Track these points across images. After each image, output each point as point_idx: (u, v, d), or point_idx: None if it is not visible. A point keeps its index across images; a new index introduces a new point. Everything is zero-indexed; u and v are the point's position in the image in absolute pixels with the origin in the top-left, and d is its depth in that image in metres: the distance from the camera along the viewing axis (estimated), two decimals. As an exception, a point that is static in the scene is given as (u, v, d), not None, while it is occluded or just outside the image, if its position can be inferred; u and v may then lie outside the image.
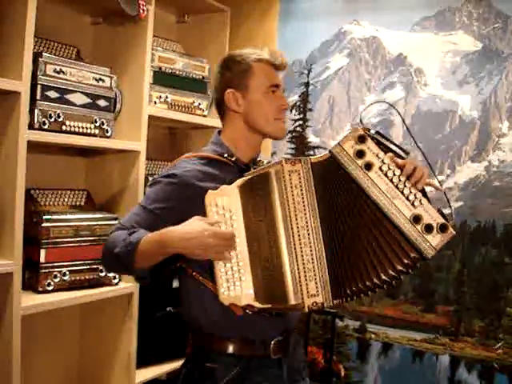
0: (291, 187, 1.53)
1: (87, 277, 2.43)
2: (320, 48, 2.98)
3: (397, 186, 1.53)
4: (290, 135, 3.02)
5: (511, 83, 2.58)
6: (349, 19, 2.90)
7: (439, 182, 2.11)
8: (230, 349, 1.68)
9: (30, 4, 2.08)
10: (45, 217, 2.32)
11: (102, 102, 2.47)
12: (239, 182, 1.60)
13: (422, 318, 2.74)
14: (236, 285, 1.56)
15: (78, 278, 2.40)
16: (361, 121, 1.64)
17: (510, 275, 2.57)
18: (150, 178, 2.74)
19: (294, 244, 1.51)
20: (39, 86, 2.22)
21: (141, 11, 2.50)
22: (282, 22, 3.05)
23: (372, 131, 1.59)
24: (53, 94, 2.28)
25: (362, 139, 1.53)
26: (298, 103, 3.01)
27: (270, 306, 1.56)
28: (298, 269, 1.50)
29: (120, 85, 2.62)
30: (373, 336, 2.83)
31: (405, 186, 1.54)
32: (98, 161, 2.72)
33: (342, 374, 2.88)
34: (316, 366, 2.91)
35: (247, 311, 1.58)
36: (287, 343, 1.75)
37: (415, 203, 1.53)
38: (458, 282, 2.68)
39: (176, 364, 2.87)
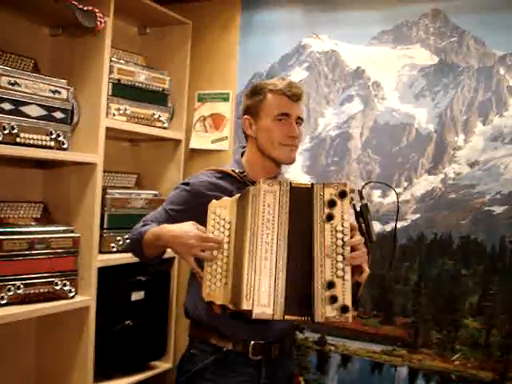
0: (263, 206, 1.62)
1: (42, 290, 2.40)
2: (280, 61, 2.99)
3: (336, 250, 1.60)
4: (250, 148, 3.03)
5: (466, 97, 2.62)
6: (308, 33, 2.92)
7: (396, 194, 2.17)
8: (210, 340, 1.86)
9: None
10: (-2, 230, 2.30)
11: (58, 114, 2.45)
12: (237, 196, 1.73)
13: (381, 329, 2.75)
14: (216, 285, 1.68)
15: (32, 291, 2.37)
16: (361, 194, 1.72)
17: (466, 287, 2.59)
18: (109, 191, 2.78)
19: (255, 257, 1.59)
20: (-7, 98, 2.21)
21: (98, 23, 2.50)
22: (243, 34, 3.06)
23: (364, 201, 1.70)
24: (7, 106, 2.26)
25: (342, 194, 1.62)
26: (259, 116, 3.03)
27: (236, 308, 1.63)
28: (254, 279, 1.58)
29: (78, 97, 2.62)
30: (332, 348, 2.83)
31: (343, 254, 1.59)
32: (55, 173, 2.70)
33: (303, 386, 2.88)
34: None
35: (225, 312, 1.68)
36: (269, 349, 1.86)
37: (339, 273, 1.59)
38: (416, 294, 2.70)
39: (136, 378, 2.87)
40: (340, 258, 1.60)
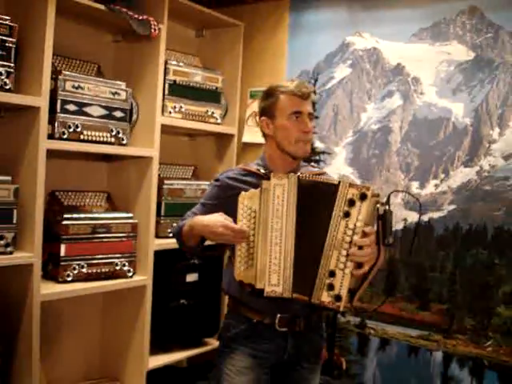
0: (273, 197, 1.88)
1: (103, 270, 2.72)
2: (325, 59, 3.15)
3: (343, 245, 1.77)
4: (298, 141, 3.22)
5: (501, 91, 2.69)
6: (351, 31, 3.06)
7: (419, 202, 2.29)
8: (243, 312, 2.08)
9: (48, 28, 2.38)
10: (65, 215, 2.63)
11: (117, 113, 2.75)
12: (259, 188, 1.93)
13: (418, 315, 2.87)
14: (244, 267, 1.91)
15: (94, 270, 2.69)
16: (388, 200, 1.83)
17: (500, 276, 2.67)
18: (166, 181, 3.06)
19: (267, 243, 1.87)
20: (59, 101, 2.52)
21: (152, 30, 2.77)
22: (291, 34, 3.25)
23: (387, 207, 1.81)
24: (71, 107, 2.57)
25: (362, 196, 1.77)
26: (305, 111, 3.21)
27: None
28: (266, 262, 1.86)
29: (136, 97, 2.91)
30: (372, 332, 2.99)
31: (347, 250, 1.76)
32: (117, 166, 3.01)
33: (344, 366, 3.06)
34: (319, 359, 3.10)
35: (253, 290, 1.90)
36: (294, 323, 2.05)
37: (340, 266, 1.77)
38: (451, 282, 2.80)
39: (190, 352, 3.15)
40: (344, 252, 1.77)
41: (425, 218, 2.85)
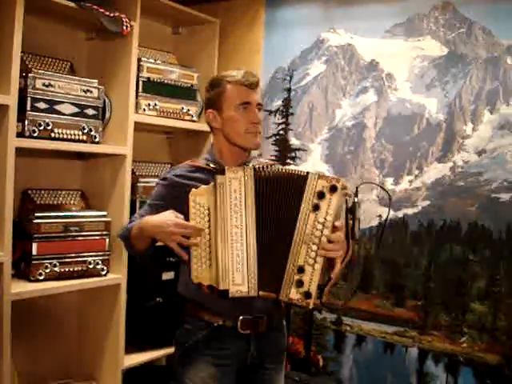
0: (230, 192, 1.81)
1: (76, 268, 2.70)
2: (300, 55, 3.15)
3: (313, 239, 1.74)
4: (273, 138, 3.21)
5: (474, 87, 2.68)
6: (326, 27, 3.05)
7: (389, 195, 2.29)
8: (202, 316, 2.00)
9: (16, 25, 2.36)
10: (36, 214, 2.61)
11: (89, 111, 2.73)
12: (212, 184, 1.86)
13: (393, 311, 2.87)
14: (202, 268, 1.84)
15: (67, 269, 2.67)
16: (356, 193, 1.82)
17: (474, 272, 2.67)
18: (141, 179, 3.05)
19: (227, 240, 1.79)
20: (29, 99, 2.49)
21: (124, 28, 2.75)
22: (267, 31, 3.24)
23: (356, 199, 1.80)
24: (42, 105, 2.55)
25: (332, 188, 1.74)
26: (280, 108, 3.19)
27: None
28: (228, 261, 1.79)
29: (110, 94, 2.89)
30: (348, 328, 2.99)
31: (317, 245, 1.73)
32: (91, 164, 2.99)
33: (321, 364, 3.05)
34: (297, 356, 3.09)
35: (213, 291, 1.84)
36: (256, 324, 1.99)
37: (310, 261, 1.74)
38: (426, 278, 2.80)
39: (165, 351, 3.13)
40: (314, 247, 1.74)
41: (399, 214, 2.86)
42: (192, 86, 3.19)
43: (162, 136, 3.48)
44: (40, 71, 2.56)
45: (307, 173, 1.78)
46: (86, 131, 2.70)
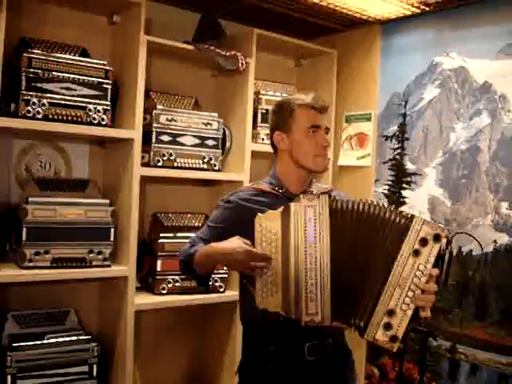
0: (305, 220, 1.77)
1: (195, 284, 2.96)
2: (415, 80, 3.14)
3: (409, 285, 1.70)
4: (389, 163, 3.23)
5: None
6: (439, 51, 3.02)
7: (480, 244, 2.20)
8: (267, 346, 1.95)
9: (140, 68, 2.71)
10: (161, 234, 2.93)
11: (210, 142, 3.01)
12: (280, 209, 1.83)
13: (507, 340, 2.72)
14: (268, 294, 1.80)
15: (188, 284, 2.95)
16: (451, 241, 1.80)
17: None
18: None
19: (300, 268, 1.76)
20: (154, 132, 2.84)
21: (240, 65, 3.00)
22: (383, 58, 3.28)
23: (452, 249, 1.81)
24: (165, 138, 2.88)
25: (436, 237, 1.70)
26: (396, 133, 3.22)
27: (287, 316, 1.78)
28: (301, 289, 1.75)
29: (230, 126, 3.16)
30: (462, 357, 2.88)
31: (414, 291, 1.70)
32: (215, 190, 3.26)
33: (436, 391, 2.98)
34: (411, 383, 3.05)
35: (279, 317, 1.80)
36: (323, 347, 1.96)
37: (403, 307, 1.70)
38: (544, 307, 2.64)
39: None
40: (410, 293, 1.69)
41: (516, 240, 2.73)
42: (310, 114, 3.34)
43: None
44: (164, 107, 2.90)
45: (412, 216, 1.74)
46: (206, 160, 2.99)
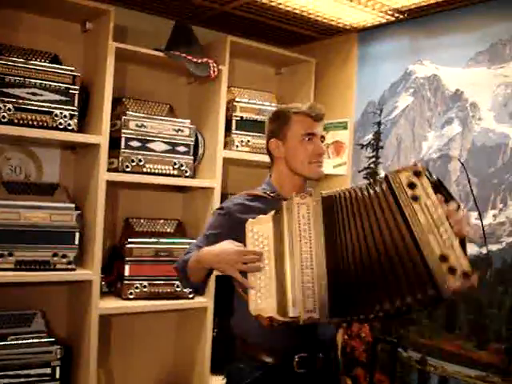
0: (298, 217, 1.74)
1: (163, 290, 2.98)
2: (390, 88, 3.12)
3: (435, 224, 1.62)
4: (365, 171, 3.21)
5: (560, 114, 2.47)
6: (413, 59, 3.00)
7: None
8: (258, 355, 1.93)
9: (107, 74, 2.74)
10: (129, 239, 2.95)
11: (181, 148, 3.02)
12: (272, 213, 1.81)
13: (475, 354, 2.67)
14: (262, 298, 1.75)
15: (155, 290, 2.96)
16: (429, 172, 1.74)
17: (561, 315, 2.41)
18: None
19: (296, 266, 1.71)
20: (123, 138, 2.87)
21: (211, 72, 3.01)
22: (359, 66, 3.27)
23: (434, 176, 1.73)
24: (135, 144, 2.91)
25: (417, 174, 1.66)
26: (371, 141, 3.20)
27: (284, 319, 1.72)
28: (298, 287, 1.70)
29: (204, 133, 3.17)
30: (432, 369, 2.84)
31: (442, 224, 1.62)
32: (188, 196, 3.28)
33: (405, 403, 2.94)
34: (382, 394, 3.02)
35: (273, 323, 1.74)
36: (313, 360, 1.93)
37: (447, 243, 1.60)
38: (510, 319, 2.58)
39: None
40: (442, 229, 1.61)
41: (483, 250, 2.69)
42: (286, 122, 3.35)
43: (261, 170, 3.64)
44: (134, 113, 2.92)
45: (385, 175, 1.71)
46: (176, 166, 3.00)
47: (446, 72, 2.90)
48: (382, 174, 3.13)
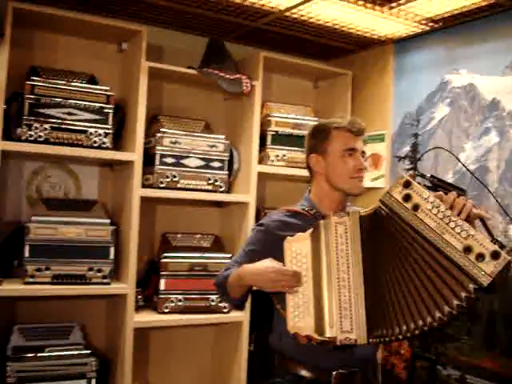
0: (336, 236, 1.75)
1: (199, 304, 3.00)
2: (426, 99, 3.04)
3: (444, 222, 1.63)
4: (403, 184, 3.14)
5: None
6: (450, 69, 2.92)
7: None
8: (296, 370, 1.95)
9: (140, 93, 2.82)
10: (164, 254, 3.00)
11: (215, 164, 3.06)
12: (310, 230, 1.81)
13: (516, 373, 2.56)
14: (300, 317, 1.76)
15: (190, 304, 2.99)
16: (421, 173, 1.80)
17: None
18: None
19: (333, 285, 1.73)
20: (157, 155, 2.93)
21: (244, 88, 3.04)
22: (396, 77, 3.22)
23: (428, 175, 1.77)
24: (169, 160, 2.96)
25: (407, 185, 1.67)
26: (408, 153, 3.13)
27: (321, 338, 1.73)
28: (335, 307, 1.71)
29: (239, 148, 3.20)
30: (471, 388, 2.73)
31: (450, 220, 1.63)
32: (226, 211, 3.31)
33: (446, 423, 2.83)
34: (422, 412, 2.93)
35: (311, 342, 1.75)
36: (352, 378, 1.93)
37: (463, 234, 1.61)
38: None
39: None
40: (453, 224, 1.62)
41: (522, 264, 2.57)
42: (322, 136, 3.33)
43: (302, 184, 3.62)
44: (167, 130, 2.98)
45: (380, 200, 1.72)
46: (211, 181, 3.04)
47: (482, 81, 2.82)
48: (420, 186, 3.06)
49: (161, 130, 2.97)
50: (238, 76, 3.05)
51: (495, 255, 1.55)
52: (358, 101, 3.44)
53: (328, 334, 1.70)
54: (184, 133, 3.03)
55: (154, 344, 3.20)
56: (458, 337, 2.82)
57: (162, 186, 2.92)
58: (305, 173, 3.18)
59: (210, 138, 3.08)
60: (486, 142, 2.79)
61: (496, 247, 1.57)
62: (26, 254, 2.65)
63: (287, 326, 1.76)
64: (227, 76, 3.04)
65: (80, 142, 2.71)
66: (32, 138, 2.61)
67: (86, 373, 2.72)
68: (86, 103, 2.74)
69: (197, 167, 3.03)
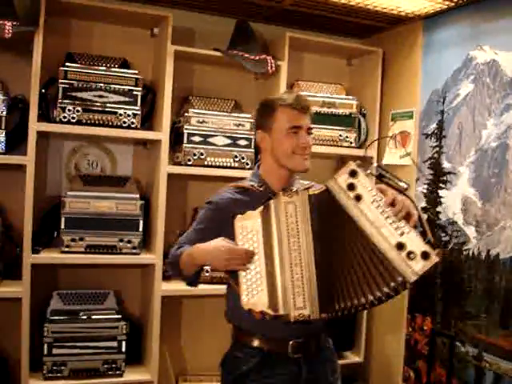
0: (286, 215, 1.80)
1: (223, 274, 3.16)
2: (452, 76, 3.00)
3: (383, 216, 1.72)
4: (429, 161, 3.12)
5: None
6: (474, 45, 2.86)
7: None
8: (253, 342, 1.99)
9: (167, 75, 2.97)
10: (193, 227, 3.17)
11: (241, 142, 3.18)
12: (260, 208, 1.86)
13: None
14: (254, 293, 1.81)
15: (217, 274, 3.14)
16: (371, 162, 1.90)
17: None
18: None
19: (285, 263, 1.79)
20: (185, 134, 3.09)
21: (268, 68, 3.13)
22: (424, 54, 3.17)
23: (374, 164, 1.86)
24: (197, 139, 3.11)
25: (353, 174, 1.73)
26: (435, 131, 3.10)
27: (275, 314, 1.79)
28: (288, 285, 1.78)
29: (266, 126, 3.29)
30: (487, 365, 2.72)
31: (389, 216, 1.72)
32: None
33: (462, 399, 2.84)
34: (440, 388, 2.96)
35: (265, 317, 1.81)
36: (308, 346, 1.99)
37: (399, 231, 1.71)
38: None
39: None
40: (390, 220, 1.70)
41: (537, 243, 2.54)
42: (351, 114, 3.37)
43: (326, 161, 3.67)
44: (194, 110, 3.13)
45: (325, 185, 1.79)
46: (237, 159, 3.17)
47: (504, 57, 2.76)
48: (445, 164, 3.05)
49: (189, 110, 3.12)
50: (262, 56, 3.14)
51: (425, 256, 1.68)
52: (388, 78, 3.44)
53: (281, 311, 1.77)
54: (211, 112, 3.16)
55: (186, 311, 3.39)
56: (476, 314, 2.83)
57: (189, 163, 3.08)
58: (331, 150, 3.32)
59: (237, 116, 3.20)
60: (507, 119, 2.74)
61: (427, 248, 1.68)
62: (62, 225, 2.89)
63: (241, 303, 1.81)
64: (252, 57, 3.13)
65: (110, 123, 2.91)
66: (65, 120, 2.83)
67: (116, 335, 2.95)
68: (116, 86, 2.94)
69: (224, 145, 3.16)
